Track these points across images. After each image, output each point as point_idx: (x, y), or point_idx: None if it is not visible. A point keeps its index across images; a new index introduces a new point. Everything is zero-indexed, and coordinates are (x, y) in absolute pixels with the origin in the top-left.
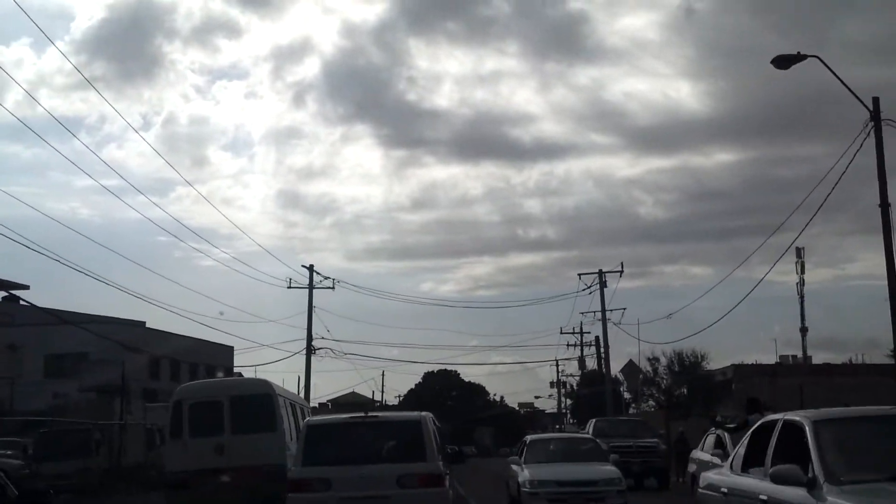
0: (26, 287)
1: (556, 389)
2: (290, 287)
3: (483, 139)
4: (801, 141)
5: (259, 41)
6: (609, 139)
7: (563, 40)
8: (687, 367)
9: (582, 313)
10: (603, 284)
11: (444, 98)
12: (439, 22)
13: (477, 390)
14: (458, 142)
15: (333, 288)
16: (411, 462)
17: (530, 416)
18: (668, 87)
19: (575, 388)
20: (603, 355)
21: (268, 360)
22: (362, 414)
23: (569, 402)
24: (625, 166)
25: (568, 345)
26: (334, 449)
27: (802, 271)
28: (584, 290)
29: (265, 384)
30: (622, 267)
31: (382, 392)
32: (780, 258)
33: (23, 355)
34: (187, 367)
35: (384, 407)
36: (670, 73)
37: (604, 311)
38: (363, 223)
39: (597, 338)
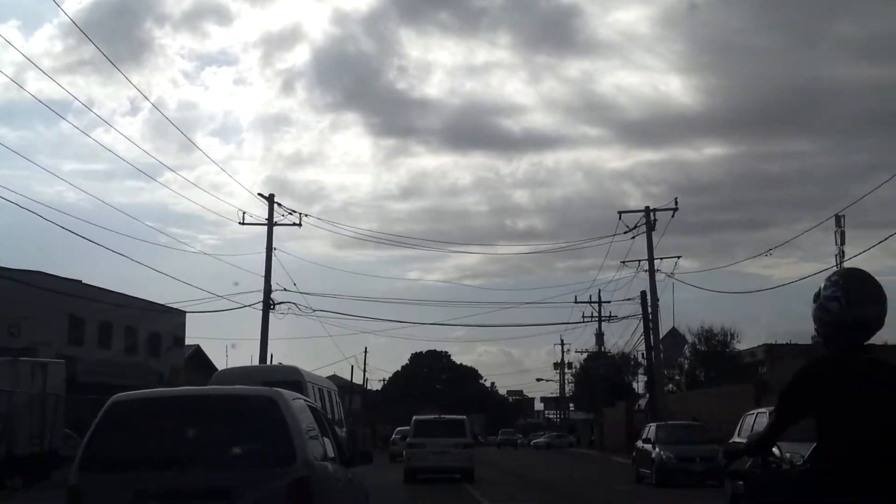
0: None
1: (559, 371)
2: (243, 223)
3: (473, 129)
4: (790, 137)
5: (249, 27)
6: (599, 131)
7: (554, 33)
8: (713, 346)
9: (623, 262)
10: (651, 226)
11: (434, 88)
12: (431, 12)
13: (469, 374)
14: (448, 131)
15: (300, 224)
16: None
17: (519, 404)
18: (658, 81)
19: (579, 367)
20: (650, 315)
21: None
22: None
23: (570, 385)
24: (614, 158)
25: (584, 317)
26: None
27: (842, 241)
28: (625, 231)
29: (296, 371)
30: (676, 204)
31: (365, 372)
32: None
33: None
34: (122, 331)
35: (366, 391)
36: (661, 67)
37: (651, 258)
38: (351, 211)
39: (642, 293)
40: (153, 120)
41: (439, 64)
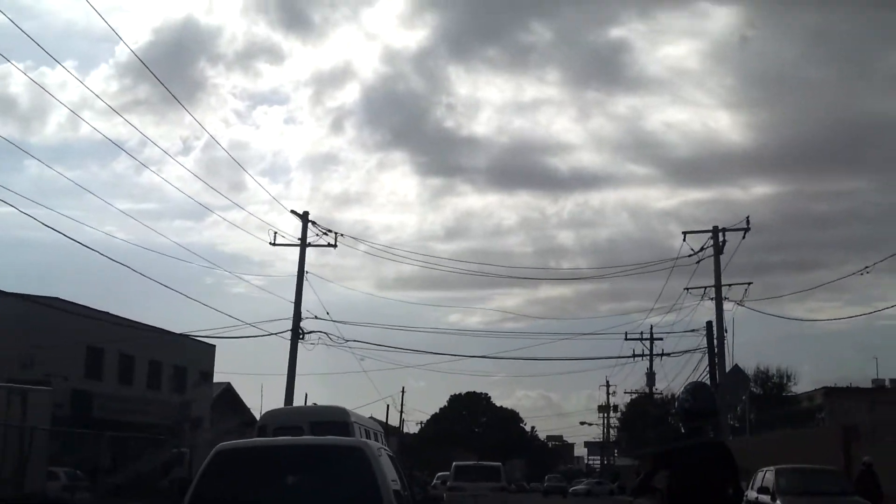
0: None
1: (604, 414)
2: (274, 243)
3: (520, 168)
4: (840, 175)
5: (300, 66)
6: (646, 169)
7: (603, 68)
8: (769, 389)
9: (687, 289)
10: (719, 247)
11: (482, 126)
12: (480, 49)
13: (509, 417)
14: (495, 170)
15: (335, 245)
16: None
17: (558, 450)
18: (708, 117)
19: (624, 410)
20: (716, 349)
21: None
22: None
23: (614, 430)
24: (661, 197)
25: (633, 355)
26: None
27: None
28: (689, 255)
29: (343, 412)
30: (748, 223)
31: (401, 413)
32: None
33: None
34: (144, 365)
35: (400, 433)
36: (711, 103)
37: (719, 283)
38: (396, 252)
39: (708, 324)
40: (205, 159)
41: (487, 101)
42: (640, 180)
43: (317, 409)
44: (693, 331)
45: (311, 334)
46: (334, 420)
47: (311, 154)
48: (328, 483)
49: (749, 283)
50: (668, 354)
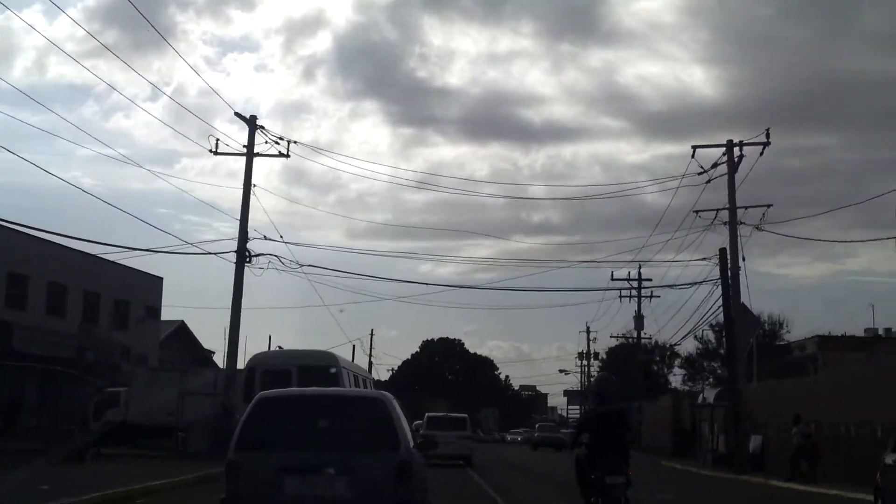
0: None
1: (583, 362)
2: (216, 151)
3: (492, 119)
4: (813, 131)
5: (272, 13)
6: (619, 123)
7: (578, 21)
8: (759, 337)
9: (697, 212)
10: (733, 164)
11: (455, 77)
12: None
13: (483, 364)
14: (468, 121)
15: (288, 155)
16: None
17: (532, 400)
18: (682, 71)
19: (602, 360)
20: (730, 280)
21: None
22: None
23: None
24: (633, 151)
25: (620, 295)
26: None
27: None
28: (699, 173)
29: (331, 357)
30: (767, 136)
31: (370, 357)
32: None
33: None
34: (78, 296)
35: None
36: (685, 57)
37: (733, 205)
38: (367, 201)
39: (721, 251)
40: (173, 106)
41: (461, 52)
42: (613, 133)
43: (306, 353)
44: (703, 259)
45: (260, 257)
46: (321, 364)
47: (281, 102)
48: (354, 427)
49: (768, 206)
50: (658, 296)
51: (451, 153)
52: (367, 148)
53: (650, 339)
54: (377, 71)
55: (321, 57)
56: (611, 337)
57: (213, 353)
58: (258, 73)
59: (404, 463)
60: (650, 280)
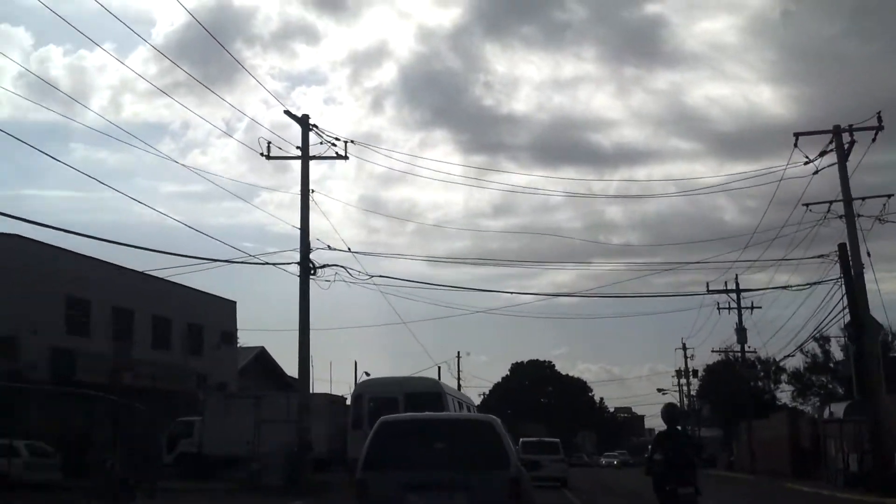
0: None
1: (681, 380)
2: (268, 156)
3: (563, 144)
4: (885, 147)
5: (336, 46)
6: (691, 144)
7: (640, 44)
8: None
9: (806, 205)
10: (843, 150)
11: (521, 103)
12: (515, 26)
13: (577, 387)
14: (538, 147)
15: (346, 157)
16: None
17: (628, 422)
18: (749, 91)
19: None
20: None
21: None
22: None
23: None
24: (707, 172)
25: (718, 307)
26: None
27: None
28: (805, 162)
29: (436, 384)
30: (880, 121)
31: (458, 380)
32: None
33: None
34: (148, 320)
35: None
36: (752, 77)
37: (848, 196)
38: (446, 230)
39: (840, 246)
40: (249, 140)
41: (525, 79)
42: (685, 155)
43: (411, 381)
44: (821, 256)
45: (325, 269)
46: (427, 391)
47: (352, 134)
48: (468, 448)
49: (889, 196)
50: (759, 307)
51: (523, 179)
52: (440, 176)
53: (755, 352)
54: (444, 100)
55: (388, 87)
56: (712, 352)
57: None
58: (327, 105)
59: (515, 480)
60: (750, 290)
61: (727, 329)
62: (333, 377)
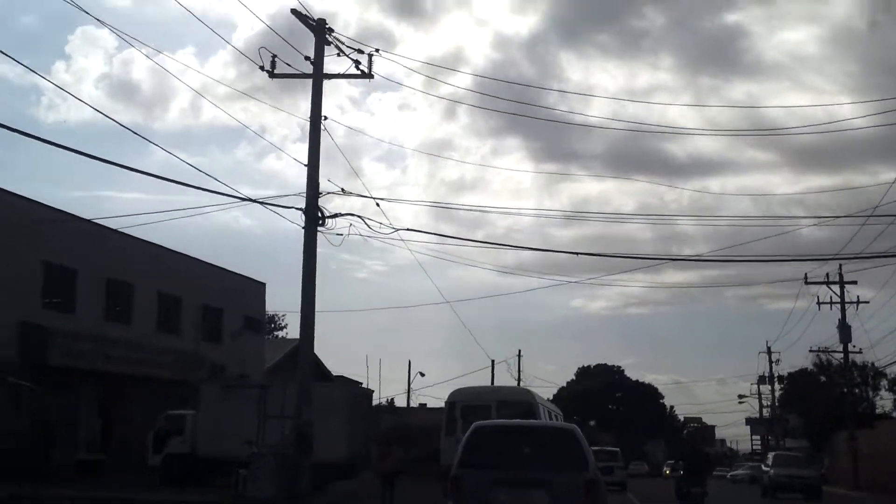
0: None
1: (765, 386)
2: (272, 73)
3: (636, 154)
4: None
5: (413, 52)
6: (767, 156)
7: (719, 54)
8: None
9: None
10: None
11: (595, 111)
12: (591, 34)
13: (647, 394)
14: (611, 156)
15: (371, 75)
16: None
17: (700, 433)
18: (829, 102)
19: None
20: None
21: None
22: None
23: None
24: (783, 184)
25: (819, 302)
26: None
27: None
28: None
29: (528, 393)
30: None
31: (518, 381)
32: None
33: None
34: (152, 298)
35: None
36: (832, 88)
37: None
38: (514, 238)
39: None
40: (323, 145)
41: (600, 87)
42: (762, 166)
43: (503, 390)
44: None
45: (338, 217)
46: (519, 400)
47: (426, 141)
48: (552, 452)
49: None
50: (866, 301)
51: (595, 188)
52: (511, 185)
53: (860, 352)
54: (517, 107)
55: (462, 95)
56: (810, 351)
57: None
58: (402, 111)
59: (592, 481)
60: (855, 283)
61: (820, 330)
62: (385, 379)
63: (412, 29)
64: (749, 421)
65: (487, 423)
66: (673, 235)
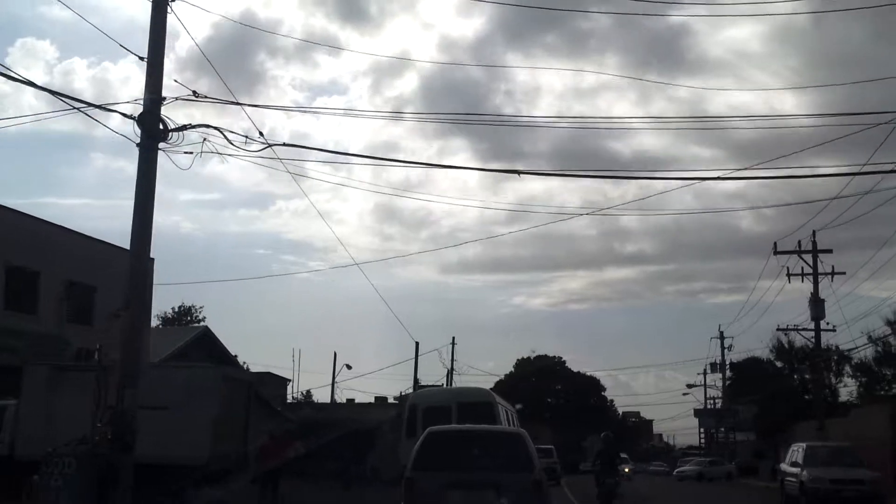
0: None
1: (718, 374)
2: None
3: (581, 153)
4: None
5: (358, 57)
6: (710, 152)
7: (663, 53)
8: None
9: None
10: None
11: (541, 112)
12: (538, 35)
13: (589, 386)
14: (557, 155)
15: None
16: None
17: (637, 427)
18: (772, 98)
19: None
20: None
21: None
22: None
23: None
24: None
25: (789, 273)
26: None
27: None
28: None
29: (487, 393)
30: None
31: (451, 370)
32: None
33: None
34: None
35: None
36: (775, 84)
37: None
38: (459, 237)
39: None
40: (265, 150)
41: (546, 87)
42: (705, 162)
43: (463, 391)
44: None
45: (186, 130)
46: (479, 401)
47: (371, 143)
48: (501, 455)
49: None
50: (843, 272)
51: (540, 186)
52: (456, 184)
53: (833, 330)
54: (464, 109)
55: (408, 97)
56: (777, 329)
57: (236, 356)
58: (347, 115)
59: (538, 481)
60: (830, 251)
61: (779, 310)
62: (306, 370)
63: (357, 34)
64: (698, 413)
65: (440, 428)
66: (615, 231)
